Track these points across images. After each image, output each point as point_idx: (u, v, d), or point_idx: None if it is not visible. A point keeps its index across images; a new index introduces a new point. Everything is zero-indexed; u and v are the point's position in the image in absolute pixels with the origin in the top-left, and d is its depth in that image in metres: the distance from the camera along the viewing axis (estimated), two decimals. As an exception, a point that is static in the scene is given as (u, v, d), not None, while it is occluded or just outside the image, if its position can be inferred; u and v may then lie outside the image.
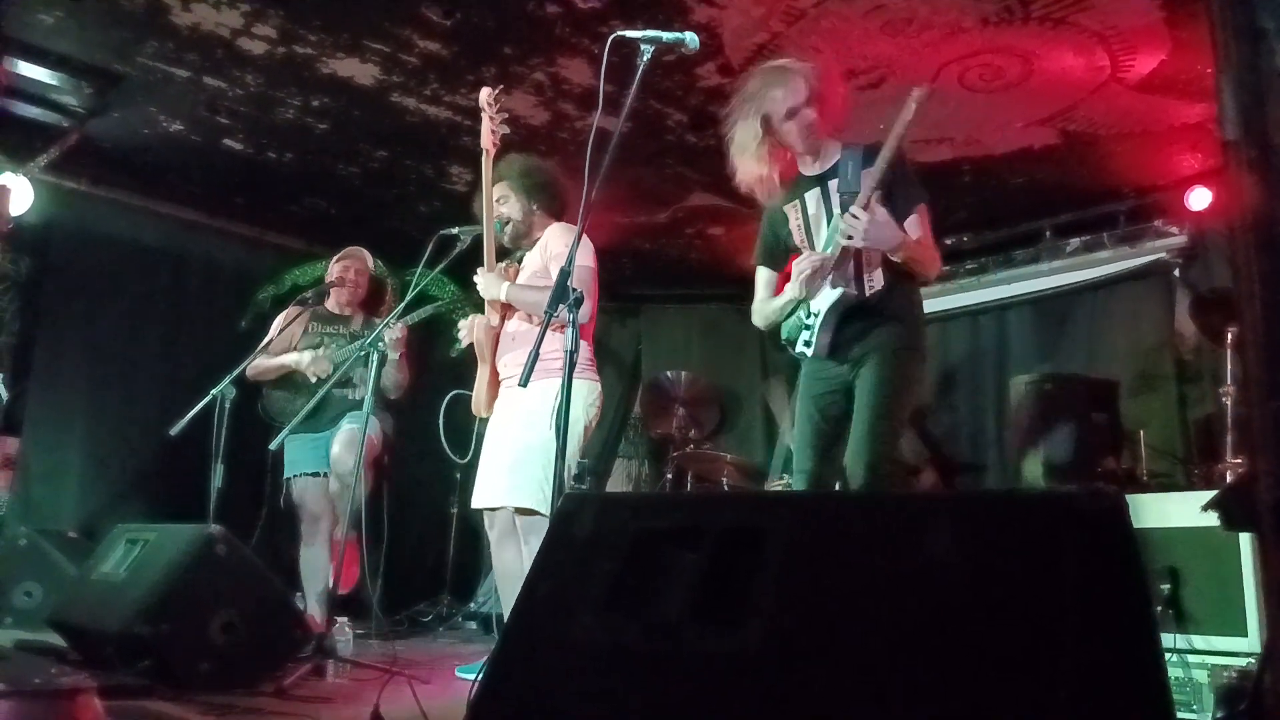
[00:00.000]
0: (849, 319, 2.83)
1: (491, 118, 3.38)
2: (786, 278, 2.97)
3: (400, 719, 2.44)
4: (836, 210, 2.83)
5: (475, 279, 3.40)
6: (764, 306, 3.08)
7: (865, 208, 2.68)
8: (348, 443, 4.07)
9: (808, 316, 2.88)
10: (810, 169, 2.96)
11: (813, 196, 2.92)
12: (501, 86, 3.49)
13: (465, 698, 1.59)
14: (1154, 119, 4.40)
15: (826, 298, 2.82)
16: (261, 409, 4.39)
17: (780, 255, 3.07)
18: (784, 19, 3.76)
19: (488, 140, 3.38)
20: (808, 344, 2.88)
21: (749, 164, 2.92)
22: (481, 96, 3.41)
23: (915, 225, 2.82)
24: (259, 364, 4.33)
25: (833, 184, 2.87)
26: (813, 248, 2.91)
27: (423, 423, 4.85)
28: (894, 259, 2.76)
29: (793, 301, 2.91)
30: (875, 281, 2.81)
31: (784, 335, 2.99)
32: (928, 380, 6.01)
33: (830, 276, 2.80)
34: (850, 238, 2.70)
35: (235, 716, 2.64)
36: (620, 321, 7.23)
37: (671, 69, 4.14)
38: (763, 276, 3.12)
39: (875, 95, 4.28)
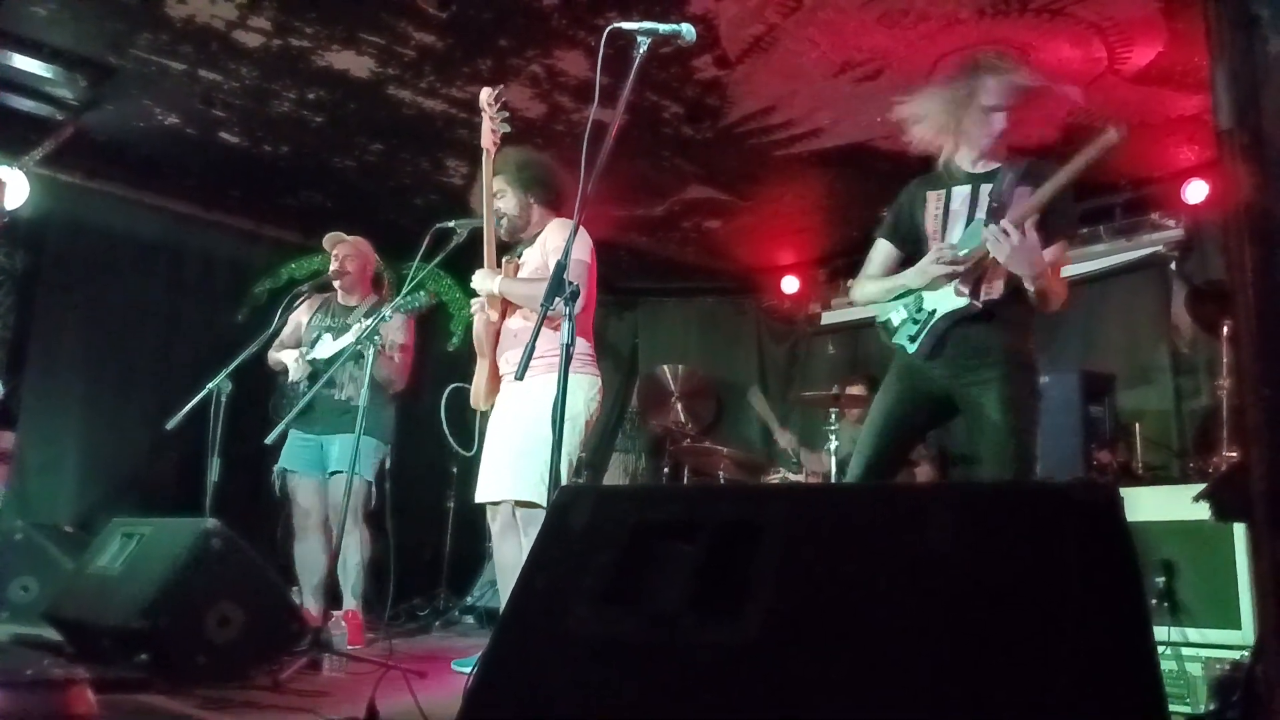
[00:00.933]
0: (958, 325, 2.75)
1: (492, 118, 3.37)
2: (905, 264, 2.92)
3: (396, 713, 2.45)
4: (980, 214, 2.76)
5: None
6: (872, 283, 3.00)
7: (1020, 228, 2.59)
8: (336, 500, 4.08)
9: (918, 312, 2.80)
10: (968, 165, 2.87)
11: (961, 193, 2.85)
12: (503, 86, 3.47)
13: (461, 691, 1.59)
14: (1151, 111, 4.39)
15: (947, 302, 2.74)
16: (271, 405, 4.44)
17: (908, 236, 2.96)
18: (780, 10, 3.76)
19: (488, 140, 3.37)
20: (912, 339, 2.80)
21: (936, 128, 2.84)
22: (482, 97, 3.39)
23: (1054, 253, 2.73)
24: (270, 355, 4.43)
25: (985, 188, 2.79)
26: (943, 240, 2.83)
27: (420, 417, 4.86)
28: (1028, 285, 2.65)
29: (905, 289, 2.85)
30: (994, 291, 2.73)
31: (882, 318, 2.93)
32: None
33: (956, 283, 2.73)
34: (996, 251, 2.63)
35: (231, 710, 2.64)
36: (617, 315, 7.23)
37: (668, 61, 4.13)
38: (882, 250, 3.01)
39: (872, 87, 4.28)
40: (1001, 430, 2.64)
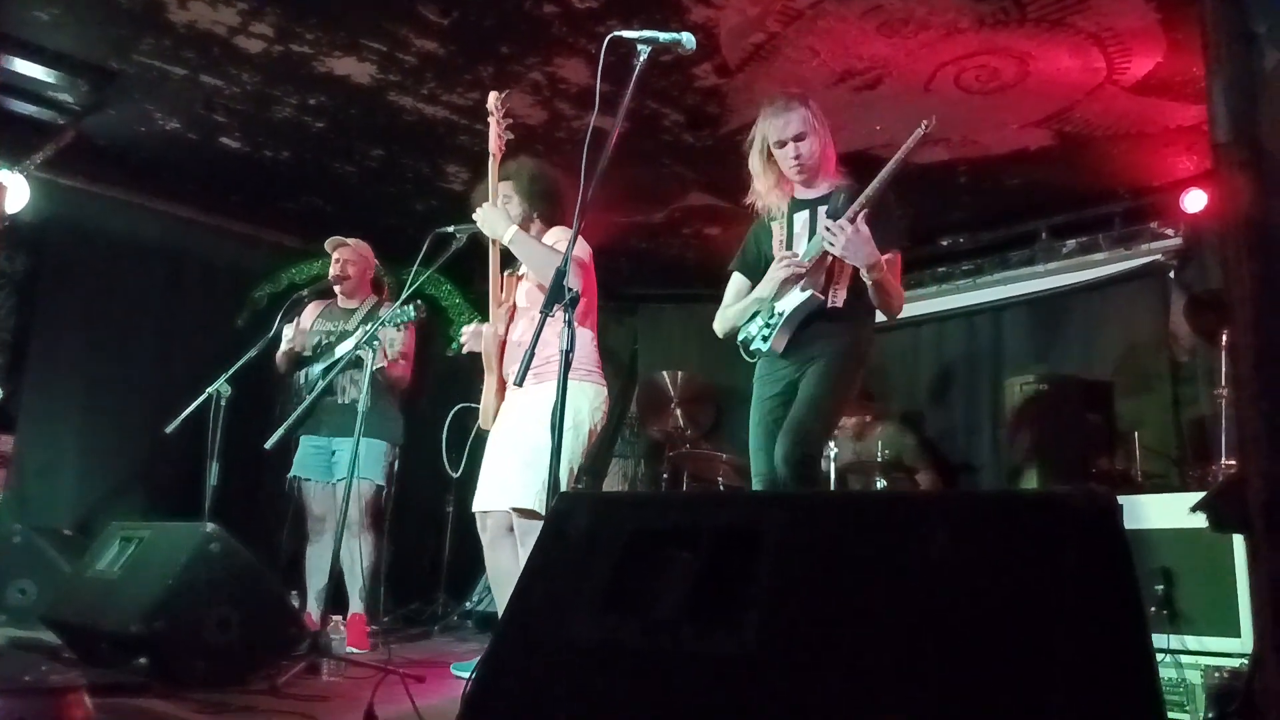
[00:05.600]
0: (807, 324, 2.99)
1: (499, 122, 3.35)
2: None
3: (395, 717, 2.44)
4: (820, 231, 2.98)
5: (475, 214, 3.32)
6: (729, 310, 3.23)
7: (851, 221, 2.82)
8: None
9: (770, 317, 3.03)
10: (804, 194, 3.11)
11: (801, 217, 3.08)
12: (509, 91, 3.47)
13: (460, 696, 1.59)
14: (1149, 121, 4.41)
15: (793, 299, 2.98)
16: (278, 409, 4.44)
17: (757, 267, 3.19)
18: (780, 19, 3.77)
19: (495, 145, 3.34)
20: (765, 339, 3.02)
21: (754, 177, 3.14)
22: (490, 101, 3.37)
23: (889, 260, 2.96)
24: (277, 358, 4.44)
25: (822, 209, 3.03)
26: None
27: (420, 422, 4.86)
28: (866, 278, 2.88)
29: (759, 301, 3.07)
30: (838, 300, 2.98)
31: (741, 337, 3.14)
32: (921, 381, 6.04)
33: (802, 282, 2.96)
34: (831, 244, 2.85)
35: (230, 715, 2.63)
36: (617, 321, 7.23)
37: (668, 69, 4.14)
38: (735, 284, 3.25)
39: (872, 96, 4.29)
40: (803, 403, 2.90)
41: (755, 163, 3.12)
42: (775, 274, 3.00)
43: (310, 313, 4.56)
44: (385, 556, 4.49)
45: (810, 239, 3.02)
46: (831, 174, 3.09)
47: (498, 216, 3.28)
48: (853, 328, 3.01)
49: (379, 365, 4.06)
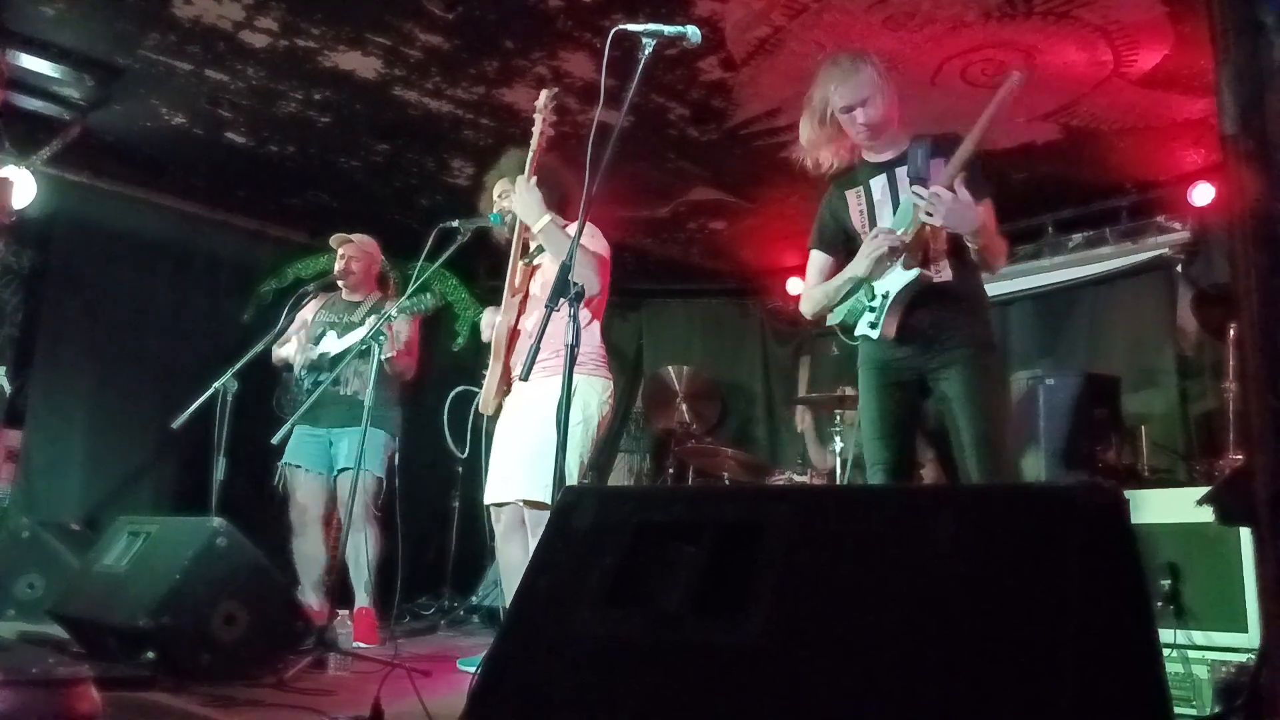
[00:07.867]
0: (920, 304, 2.77)
1: (545, 119, 3.29)
2: (841, 265, 2.96)
3: (401, 712, 2.44)
4: (905, 195, 2.79)
5: (514, 189, 3.27)
6: (816, 291, 3.03)
7: (949, 188, 2.62)
8: (345, 497, 4.05)
9: (871, 299, 2.82)
10: (876, 156, 2.91)
11: (878, 183, 2.89)
12: (558, 89, 3.40)
13: (466, 690, 1.59)
14: (1157, 114, 4.39)
15: (898, 279, 2.76)
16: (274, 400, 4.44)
17: (838, 241, 3.02)
18: (786, 13, 3.76)
19: (537, 142, 3.28)
20: (873, 326, 2.81)
21: (810, 136, 2.91)
22: (540, 99, 3.29)
23: (985, 213, 2.77)
24: (274, 351, 4.43)
25: (900, 170, 2.83)
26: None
27: (425, 416, 4.86)
28: (970, 243, 2.71)
29: (853, 281, 2.86)
30: (942, 272, 2.78)
31: (838, 319, 2.94)
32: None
33: (903, 258, 2.75)
34: (930, 215, 2.64)
35: (236, 708, 2.64)
36: (622, 316, 7.23)
37: (673, 63, 4.13)
38: (817, 261, 3.07)
39: (877, 89, 4.28)
40: (975, 432, 2.71)
41: (810, 129, 2.88)
42: (871, 251, 2.76)
43: (311, 307, 4.57)
44: (389, 550, 4.48)
45: (895, 206, 2.83)
46: (895, 131, 2.88)
47: (534, 202, 3.21)
48: (974, 308, 2.82)
49: (387, 354, 4.06)
